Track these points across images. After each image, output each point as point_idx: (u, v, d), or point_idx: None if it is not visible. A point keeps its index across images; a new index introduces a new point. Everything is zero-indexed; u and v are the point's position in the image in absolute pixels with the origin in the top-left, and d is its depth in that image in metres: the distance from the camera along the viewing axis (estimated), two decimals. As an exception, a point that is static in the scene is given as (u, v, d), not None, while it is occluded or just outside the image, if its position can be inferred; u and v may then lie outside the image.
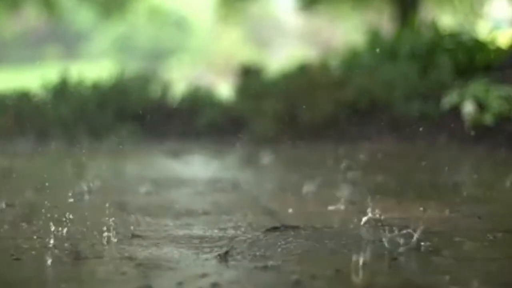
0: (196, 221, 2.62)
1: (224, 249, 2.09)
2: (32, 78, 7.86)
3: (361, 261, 1.95)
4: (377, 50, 6.68)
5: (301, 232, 2.36)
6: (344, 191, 3.37)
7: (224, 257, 2.01)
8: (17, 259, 2.02)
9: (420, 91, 6.00)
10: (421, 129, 5.66)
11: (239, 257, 2.03)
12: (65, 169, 4.50)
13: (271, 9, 24.05)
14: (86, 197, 3.16)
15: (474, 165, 4.51)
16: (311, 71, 6.80)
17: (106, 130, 6.38)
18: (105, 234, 2.36)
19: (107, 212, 2.82)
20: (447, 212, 2.76)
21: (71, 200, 3.00)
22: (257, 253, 2.07)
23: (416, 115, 5.83)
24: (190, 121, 6.70)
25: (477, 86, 5.63)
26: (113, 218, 2.66)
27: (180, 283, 1.75)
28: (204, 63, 23.72)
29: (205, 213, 2.79)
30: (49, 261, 2.00)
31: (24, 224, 2.51)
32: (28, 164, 4.66)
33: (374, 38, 7.05)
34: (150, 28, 22.72)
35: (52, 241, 2.25)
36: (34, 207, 2.82)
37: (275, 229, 2.40)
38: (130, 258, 2.03)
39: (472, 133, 5.31)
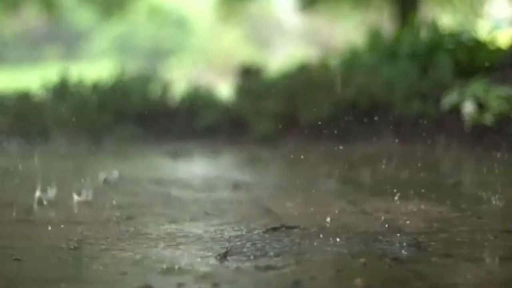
0: (196, 221, 2.62)
1: (224, 249, 2.10)
2: (32, 78, 7.86)
3: (361, 261, 1.95)
4: (376, 49, 6.69)
5: (301, 232, 2.36)
6: (345, 191, 3.37)
7: (224, 257, 2.01)
8: (17, 259, 2.02)
9: (420, 91, 6.00)
10: (421, 129, 5.66)
11: (239, 257, 2.03)
12: (65, 169, 4.50)
13: (271, 9, 24.06)
14: (87, 196, 3.16)
15: (474, 165, 4.51)
16: (311, 71, 6.79)
17: (106, 130, 6.38)
18: (106, 234, 2.36)
19: (107, 212, 2.82)
20: (447, 212, 2.76)
21: (72, 199, 3.01)
22: (257, 253, 2.07)
23: (416, 115, 5.83)
24: (190, 121, 6.70)
25: (477, 86, 5.63)
26: (113, 218, 2.67)
27: (180, 284, 1.75)
28: (204, 62, 23.73)
29: (205, 213, 2.80)
30: (49, 261, 2.00)
31: (24, 224, 2.51)
32: (28, 164, 4.66)
33: (374, 38, 7.05)
34: (150, 27, 22.72)
35: (52, 241, 2.25)
36: (34, 207, 2.82)
37: (275, 229, 2.40)
38: (131, 258, 2.03)
39: (472, 133, 5.31)
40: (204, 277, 1.81)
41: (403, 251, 2.09)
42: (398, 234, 2.32)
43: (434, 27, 6.83)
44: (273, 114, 6.22)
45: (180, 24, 25.69)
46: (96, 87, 7.01)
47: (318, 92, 6.20)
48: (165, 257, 2.04)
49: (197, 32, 25.95)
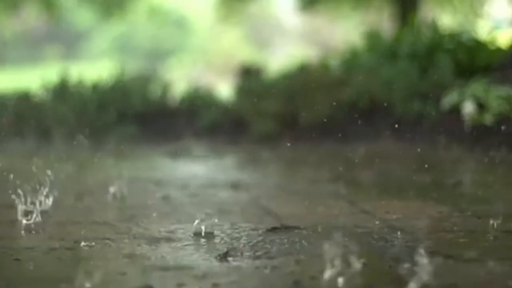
0: (196, 221, 2.62)
1: (224, 249, 2.10)
2: (32, 78, 7.87)
3: (361, 262, 1.95)
4: (376, 50, 6.69)
5: (301, 232, 2.36)
6: (344, 191, 3.37)
7: (224, 257, 2.01)
8: (17, 259, 2.02)
9: (420, 91, 6.00)
10: (421, 129, 5.66)
11: (239, 257, 2.03)
12: (65, 169, 4.50)
13: (271, 9, 24.06)
14: (87, 197, 3.16)
15: (474, 165, 4.51)
16: (311, 71, 6.79)
17: (106, 130, 6.38)
18: (106, 234, 2.36)
19: (107, 213, 2.83)
20: (447, 212, 2.76)
21: (72, 200, 3.01)
22: (257, 253, 2.07)
23: (416, 115, 5.83)
24: (190, 121, 6.69)
25: (477, 86, 5.63)
26: (113, 219, 2.67)
27: (180, 284, 1.75)
28: (204, 62, 23.73)
29: (205, 213, 2.79)
30: (49, 261, 2.00)
31: (23, 225, 2.51)
32: (28, 164, 4.66)
33: (374, 38, 7.05)
34: (150, 27, 22.72)
35: (52, 241, 2.25)
36: (34, 207, 2.82)
37: (275, 229, 2.40)
38: (131, 259, 2.03)
39: (472, 133, 5.31)
40: (204, 277, 1.81)
41: (403, 251, 2.08)
42: (398, 234, 2.32)
43: (434, 27, 6.83)
44: (273, 114, 6.22)
45: (180, 24, 25.69)
46: (96, 87, 7.01)
47: (318, 92, 6.20)
48: (165, 257, 2.04)
49: (197, 32, 25.96)
